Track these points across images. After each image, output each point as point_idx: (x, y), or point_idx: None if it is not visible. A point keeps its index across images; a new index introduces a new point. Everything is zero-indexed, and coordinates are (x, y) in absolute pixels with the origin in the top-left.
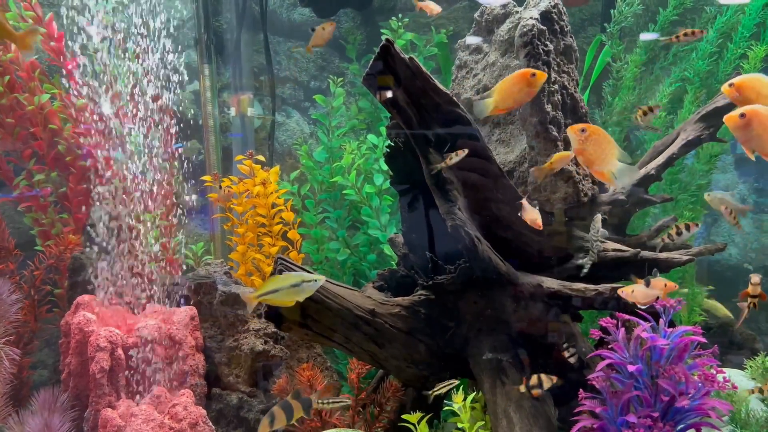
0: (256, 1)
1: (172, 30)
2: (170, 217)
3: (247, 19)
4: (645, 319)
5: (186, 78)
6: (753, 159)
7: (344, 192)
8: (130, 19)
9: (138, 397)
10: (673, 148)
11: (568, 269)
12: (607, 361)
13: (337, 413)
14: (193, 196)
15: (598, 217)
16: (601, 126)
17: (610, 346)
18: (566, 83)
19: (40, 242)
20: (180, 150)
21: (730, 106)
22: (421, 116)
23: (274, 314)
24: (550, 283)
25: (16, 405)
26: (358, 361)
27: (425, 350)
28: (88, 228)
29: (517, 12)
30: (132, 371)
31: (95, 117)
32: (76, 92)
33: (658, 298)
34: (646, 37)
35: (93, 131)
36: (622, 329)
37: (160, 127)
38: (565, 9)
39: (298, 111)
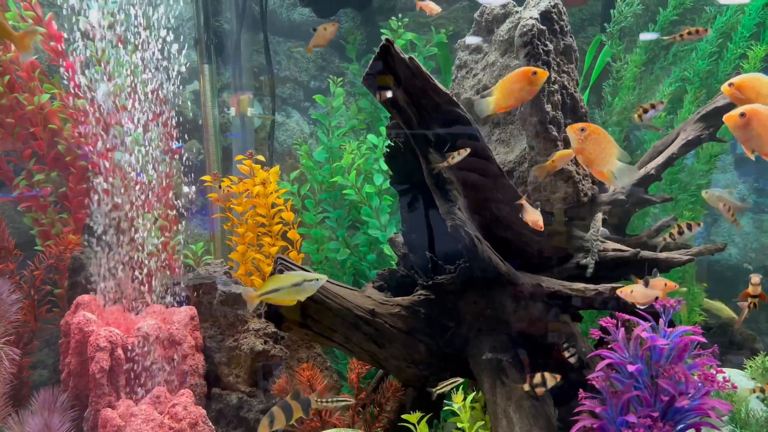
0: (256, 1)
1: (171, 29)
2: (170, 217)
3: (247, 19)
4: (645, 319)
5: (186, 76)
6: (752, 158)
7: (344, 192)
8: (129, 17)
9: (138, 396)
10: (673, 148)
11: (568, 269)
12: (606, 361)
13: (337, 413)
14: (192, 188)
15: (599, 216)
16: (601, 126)
17: (609, 346)
18: (566, 83)
19: (40, 242)
20: (180, 150)
21: (730, 106)
22: (421, 116)
23: (273, 314)
24: (550, 283)
25: (15, 405)
26: (357, 361)
27: (425, 350)
28: (88, 228)
29: (516, 12)
30: (132, 371)
31: (94, 116)
32: (74, 89)
33: (657, 298)
34: (646, 37)
35: (92, 131)
36: (622, 329)
37: (159, 125)
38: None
39: (297, 111)
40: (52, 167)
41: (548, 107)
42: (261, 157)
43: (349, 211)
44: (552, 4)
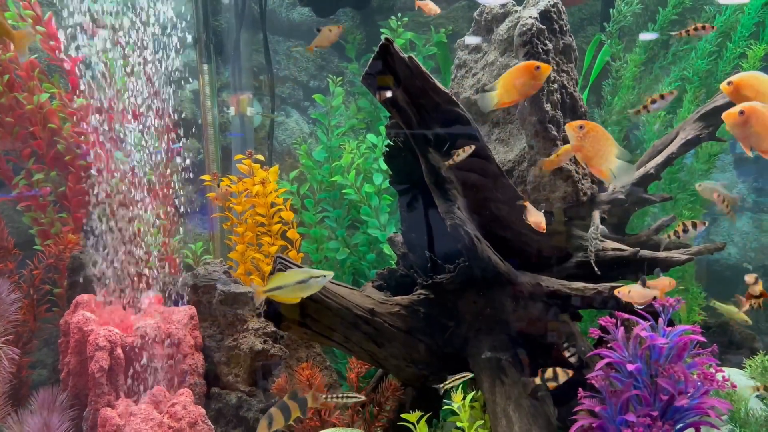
0: (255, 0)
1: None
2: (169, 216)
3: (247, 18)
4: (644, 318)
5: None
6: (750, 155)
7: (343, 191)
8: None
9: (137, 396)
10: (673, 148)
11: (568, 268)
12: (606, 360)
13: (336, 412)
14: (189, 188)
15: (596, 214)
16: (600, 125)
17: (609, 345)
18: (565, 82)
19: (39, 241)
20: (179, 149)
21: (729, 105)
22: (420, 116)
23: (273, 313)
24: (550, 282)
25: (15, 404)
26: (357, 360)
27: (425, 349)
28: (87, 227)
29: (516, 11)
30: (131, 370)
31: (94, 115)
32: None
33: (655, 298)
34: (645, 36)
35: (91, 130)
36: (621, 328)
37: (159, 125)
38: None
39: (297, 110)
40: (51, 167)
41: (548, 106)
42: (260, 157)
43: (348, 211)
44: (551, 3)
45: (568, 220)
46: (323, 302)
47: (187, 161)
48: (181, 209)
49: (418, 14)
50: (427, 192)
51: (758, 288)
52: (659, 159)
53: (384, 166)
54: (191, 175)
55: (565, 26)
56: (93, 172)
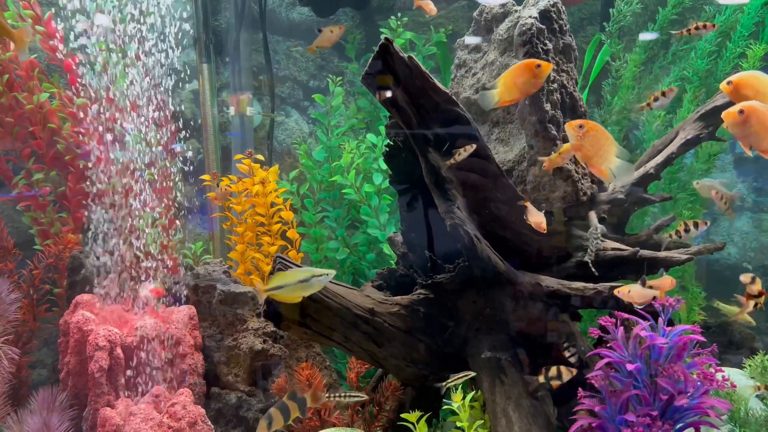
0: (255, 0)
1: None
2: (169, 216)
3: (247, 18)
4: (644, 318)
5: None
6: (750, 155)
7: (343, 191)
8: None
9: (137, 395)
10: (672, 147)
11: (567, 268)
12: (606, 360)
13: (336, 412)
14: (190, 188)
15: (593, 214)
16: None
17: (609, 345)
18: (565, 82)
19: (39, 241)
20: (179, 149)
21: (729, 105)
22: (420, 115)
23: (273, 313)
24: (549, 282)
25: (14, 404)
26: (357, 360)
27: (424, 349)
28: (87, 227)
29: (516, 11)
30: (131, 370)
31: (93, 115)
32: (74, 90)
33: (654, 298)
34: (645, 36)
35: (91, 129)
36: (621, 328)
37: (159, 125)
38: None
39: (297, 110)
40: (51, 166)
41: (547, 106)
42: (260, 157)
43: (348, 211)
44: (551, 3)
45: (568, 220)
46: (323, 302)
47: (189, 152)
48: (182, 208)
49: (417, 14)
50: (426, 192)
51: (756, 287)
52: (659, 159)
53: (384, 166)
54: (191, 168)
55: (565, 26)
56: (90, 165)
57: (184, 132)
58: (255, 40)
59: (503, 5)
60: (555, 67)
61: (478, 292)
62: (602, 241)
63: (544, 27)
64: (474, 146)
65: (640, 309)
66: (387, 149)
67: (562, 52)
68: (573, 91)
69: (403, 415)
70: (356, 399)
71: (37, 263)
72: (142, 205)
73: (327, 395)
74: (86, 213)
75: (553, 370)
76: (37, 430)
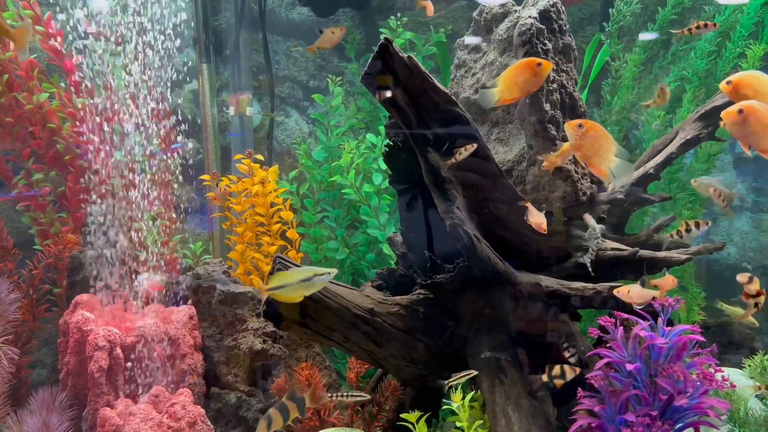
0: (254, 0)
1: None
2: (168, 216)
3: (246, 18)
4: (644, 318)
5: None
6: (749, 154)
7: (343, 191)
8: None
9: (137, 395)
10: (672, 147)
11: (567, 268)
12: (605, 360)
13: (336, 412)
14: (189, 189)
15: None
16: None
17: (608, 345)
18: (565, 82)
19: (39, 241)
20: (178, 149)
21: (728, 105)
22: (419, 115)
23: (272, 313)
24: (549, 282)
25: (14, 404)
26: (356, 360)
27: (424, 349)
28: (87, 227)
29: (515, 11)
30: (131, 370)
31: (93, 115)
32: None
33: (654, 298)
34: (645, 36)
35: (91, 129)
36: (621, 328)
37: (158, 125)
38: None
39: (296, 110)
40: (50, 166)
41: (547, 106)
42: (260, 157)
43: (348, 211)
44: (551, 3)
45: (567, 220)
46: (323, 302)
47: (189, 145)
48: (180, 209)
49: (417, 14)
50: (426, 192)
51: (753, 287)
52: (659, 159)
53: (383, 166)
54: (190, 163)
55: (565, 26)
56: (86, 165)
57: (183, 132)
58: (255, 40)
59: (503, 5)
60: (554, 67)
61: (478, 292)
62: (602, 241)
63: (543, 27)
64: (474, 146)
65: (639, 309)
66: (387, 149)
67: (561, 52)
68: (572, 91)
69: (402, 415)
70: (359, 398)
71: (36, 263)
72: (141, 205)
73: (330, 395)
74: (86, 210)
75: (556, 369)
76: (36, 430)
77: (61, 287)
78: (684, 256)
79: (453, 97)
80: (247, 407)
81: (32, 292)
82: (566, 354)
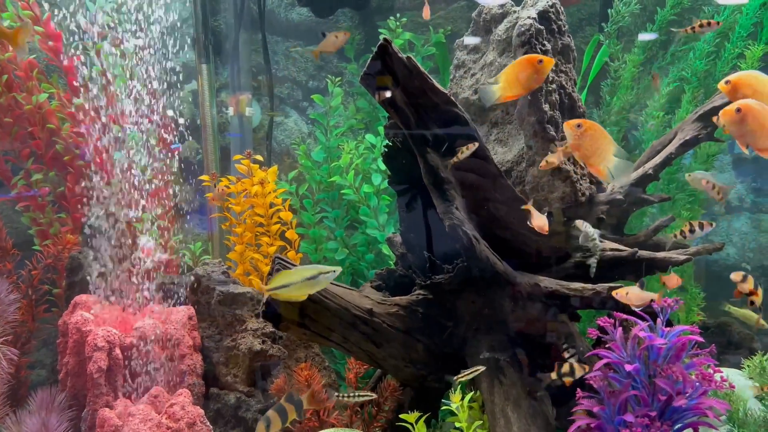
0: (254, 0)
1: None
2: (168, 216)
3: (246, 18)
4: (643, 319)
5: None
6: (747, 153)
7: (342, 192)
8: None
9: (136, 396)
10: (671, 148)
11: (566, 269)
12: (604, 361)
13: (335, 413)
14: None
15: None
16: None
17: (607, 346)
18: (564, 83)
19: (38, 242)
20: (178, 149)
21: (727, 106)
22: (419, 116)
23: (272, 314)
24: (548, 282)
25: (13, 405)
26: (356, 360)
27: (423, 350)
28: (86, 228)
29: (514, 11)
30: (130, 371)
31: (92, 115)
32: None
33: (652, 300)
34: (644, 37)
35: (90, 130)
36: (620, 329)
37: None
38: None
39: (296, 111)
40: (50, 167)
41: (546, 107)
42: (259, 157)
43: (347, 211)
44: (550, 3)
45: (566, 221)
46: (322, 302)
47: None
48: (180, 209)
49: (416, 15)
50: (425, 192)
51: (747, 286)
52: (658, 159)
53: (383, 167)
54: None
55: (564, 26)
56: (83, 164)
57: (183, 132)
58: (254, 40)
59: (502, 6)
60: (554, 68)
61: (477, 293)
62: (601, 241)
63: (542, 27)
64: (476, 145)
65: (638, 310)
66: (386, 150)
67: (560, 52)
68: (572, 91)
69: (401, 416)
70: (365, 398)
71: (36, 264)
72: (140, 205)
73: (337, 395)
74: (84, 211)
75: (565, 366)
76: (35, 431)
77: (61, 288)
78: (683, 257)
79: (452, 97)
80: (246, 408)
81: (31, 293)
82: (565, 354)
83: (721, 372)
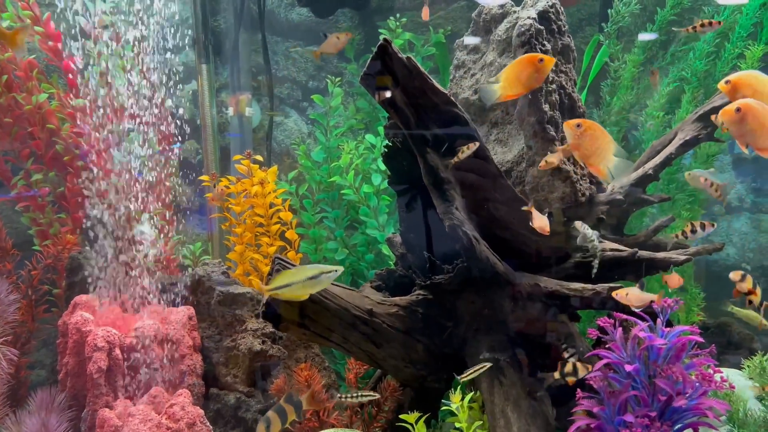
0: (254, 0)
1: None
2: (168, 216)
3: (245, 18)
4: (643, 319)
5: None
6: (747, 153)
7: (342, 192)
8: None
9: (136, 396)
10: (671, 148)
11: (566, 269)
12: (604, 361)
13: (335, 413)
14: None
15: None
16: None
17: (607, 346)
18: (564, 83)
19: (38, 242)
20: (178, 150)
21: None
22: (418, 116)
23: (271, 314)
24: (548, 282)
25: (13, 405)
26: (355, 360)
27: (423, 350)
28: (86, 228)
29: (514, 12)
30: (129, 371)
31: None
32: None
33: (652, 301)
34: (644, 37)
35: (90, 130)
36: (620, 329)
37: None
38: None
39: (296, 111)
40: (50, 167)
41: (546, 107)
42: (259, 157)
43: (347, 211)
44: (550, 3)
45: (566, 221)
46: (322, 303)
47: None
48: (180, 209)
49: (416, 15)
50: (425, 192)
51: (746, 285)
52: (657, 160)
53: (383, 167)
54: (191, 176)
55: (564, 27)
56: (82, 164)
57: (182, 132)
58: (254, 40)
59: (502, 6)
60: (554, 68)
61: (477, 293)
62: (601, 241)
63: (542, 28)
64: (476, 144)
65: (638, 310)
66: (386, 150)
67: (560, 52)
68: (572, 91)
69: (401, 416)
70: (368, 398)
71: (35, 264)
72: (140, 204)
73: (340, 396)
74: (84, 214)
75: (569, 366)
76: (35, 431)
77: (60, 288)
78: (683, 257)
79: (452, 97)
80: (246, 408)
81: (31, 293)
82: (565, 355)
83: (721, 372)
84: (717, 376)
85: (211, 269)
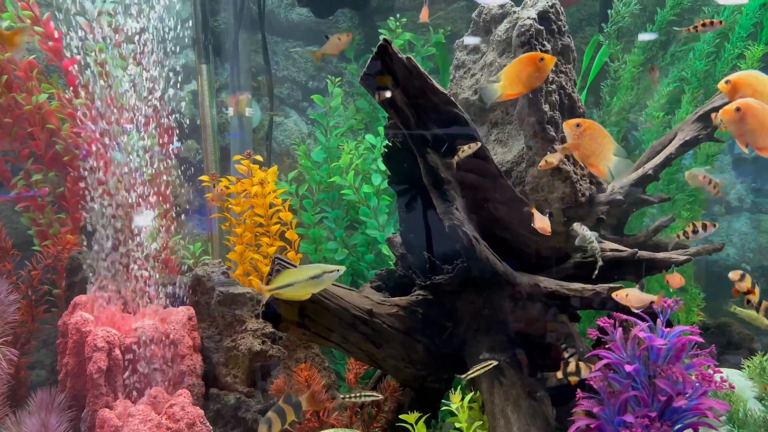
0: (254, 0)
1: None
2: (168, 216)
3: (245, 18)
4: (643, 319)
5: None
6: (747, 152)
7: (342, 192)
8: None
9: (135, 396)
10: (671, 148)
11: (566, 269)
12: (604, 361)
13: (335, 413)
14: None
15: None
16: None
17: (607, 346)
18: (564, 83)
19: (38, 242)
20: (178, 150)
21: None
22: (418, 116)
23: (271, 314)
24: (548, 283)
25: (13, 405)
26: (355, 361)
27: (423, 350)
28: (86, 228)
29: (514, 12)
30: (129, 371)
31: (92, 115)
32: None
33: (652, 302)
34: (644, 37)
35: (90, 130)
36: (620, 329)
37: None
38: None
39: (296, 111)
40: (49, 167)
41: (546, 107)
42: (259, 157)
43: (347, 211)
44: (549, 4)
45: (566, 221)
46: (322, 303)
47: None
48: (180, 209)
49: (416, 15)
50: (425, 193)
51: (745, 284)
52: (657, 160)
53: (383, 167)
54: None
55: (564, 27)
56: (81, 164)
57: (182, 132)
58: (254, 40)
59: (502, 6)
60: (553, 68)
61: (477, 293)
62: (600, 241)
63: (542, 28)
64: (478, 144)
65: (638, 310)
66: (386, 150)
67: (560, 53)
68: (571, 92)
69: (401, 416)
70: (370, 398)
71: (35, 264)
72: (140, 205)
73: (342, 396)
74: (84, 211)
75: (571, 366)
76: (35, 431)
77: (60, 288)
78: (683, 257)
79: (452, 97)
80: (246, 408)
81: (31, 293)
82: (565, 355)
83: (721, 372)
84: (717, 377)
85: (211, 269)
